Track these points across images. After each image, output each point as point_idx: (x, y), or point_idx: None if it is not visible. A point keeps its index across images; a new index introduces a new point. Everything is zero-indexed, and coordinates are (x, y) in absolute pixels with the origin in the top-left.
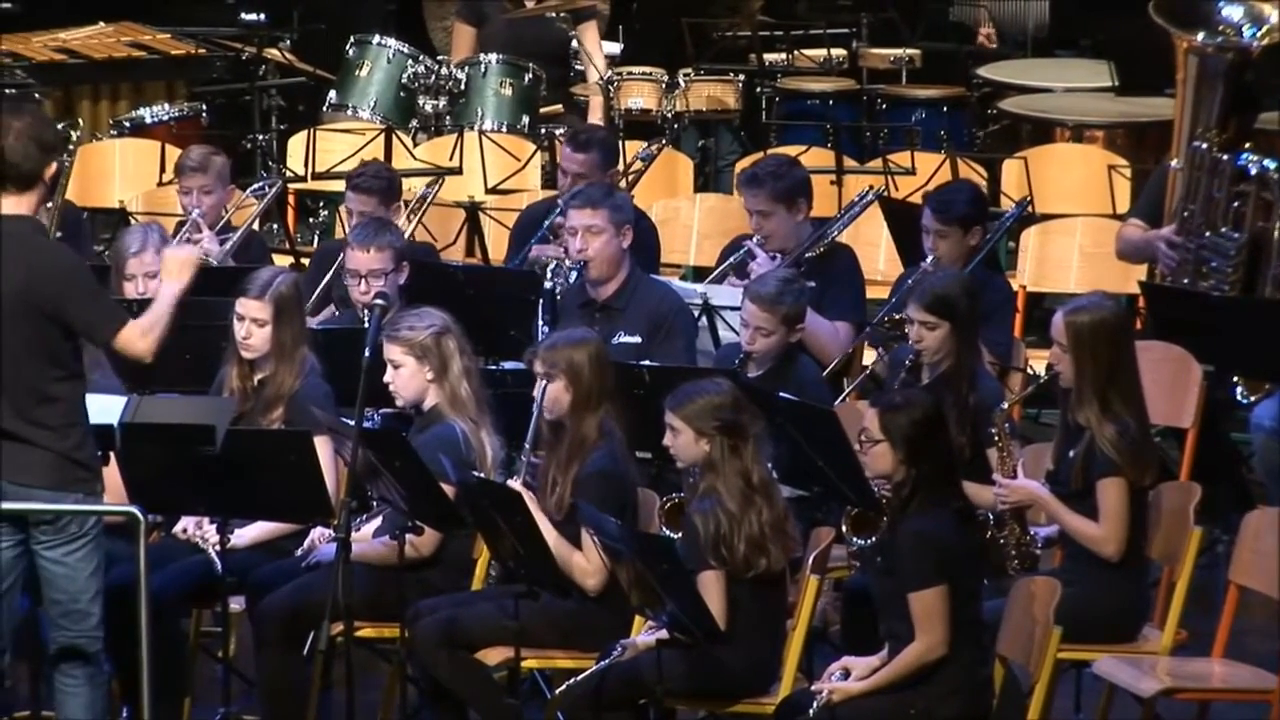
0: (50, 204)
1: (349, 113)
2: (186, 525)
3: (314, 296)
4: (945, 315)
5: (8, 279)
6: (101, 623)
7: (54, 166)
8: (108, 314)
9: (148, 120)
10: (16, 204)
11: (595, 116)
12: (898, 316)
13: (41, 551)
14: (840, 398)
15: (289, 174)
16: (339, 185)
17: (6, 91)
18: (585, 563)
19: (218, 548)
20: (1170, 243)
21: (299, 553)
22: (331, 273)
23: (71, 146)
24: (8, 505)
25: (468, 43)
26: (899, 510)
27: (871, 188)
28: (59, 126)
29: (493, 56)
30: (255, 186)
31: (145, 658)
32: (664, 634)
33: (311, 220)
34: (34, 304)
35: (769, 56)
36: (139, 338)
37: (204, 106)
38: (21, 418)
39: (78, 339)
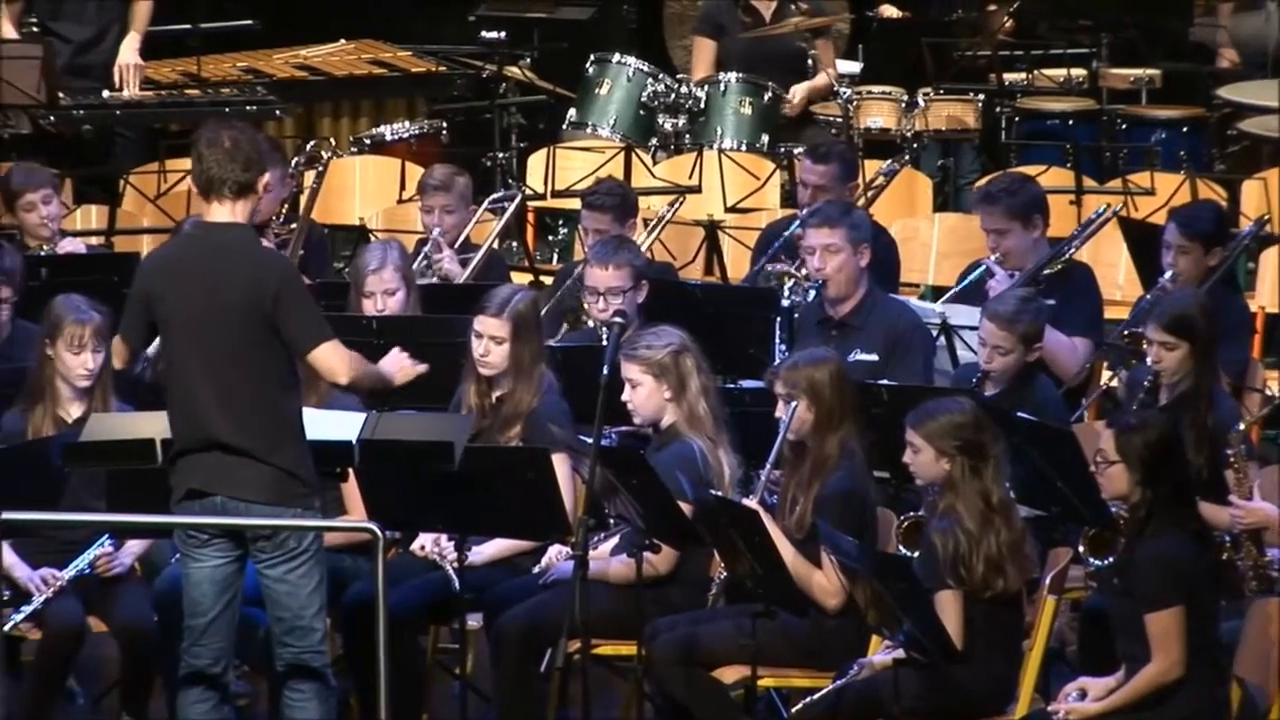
0: (294, 224)
1: (589, 131)
2: (425, 542)
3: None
4: (1184, 336)
5: (230, 289)
6: (326, 638)
7: (267, 176)
8: (315, 326)
9: (388, 137)
10: (231, 212)
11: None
12: (1136, 331)
13: (263, 569)
14: (1075, 415)
15: (528, 191)
16: (578, 203)
17: (248, 108)
18: (826, 582)
19: (455, 565)
20: None
21: (536, 570)
22: (563, 289)
23: (321, 166)
24: (239, 520)
25: (708, 56)
26: (1136, 531)
27: (1109, 205)
28: (310, 145)
29: (732, 75)
30: (493, 198)
31: (383, 674)
32: (900, 653)
33: (551, 238)
34: (259, 311)
35: (1009, 76)
36: (338, 359)
37: (444, 124)
38: (243, 432)
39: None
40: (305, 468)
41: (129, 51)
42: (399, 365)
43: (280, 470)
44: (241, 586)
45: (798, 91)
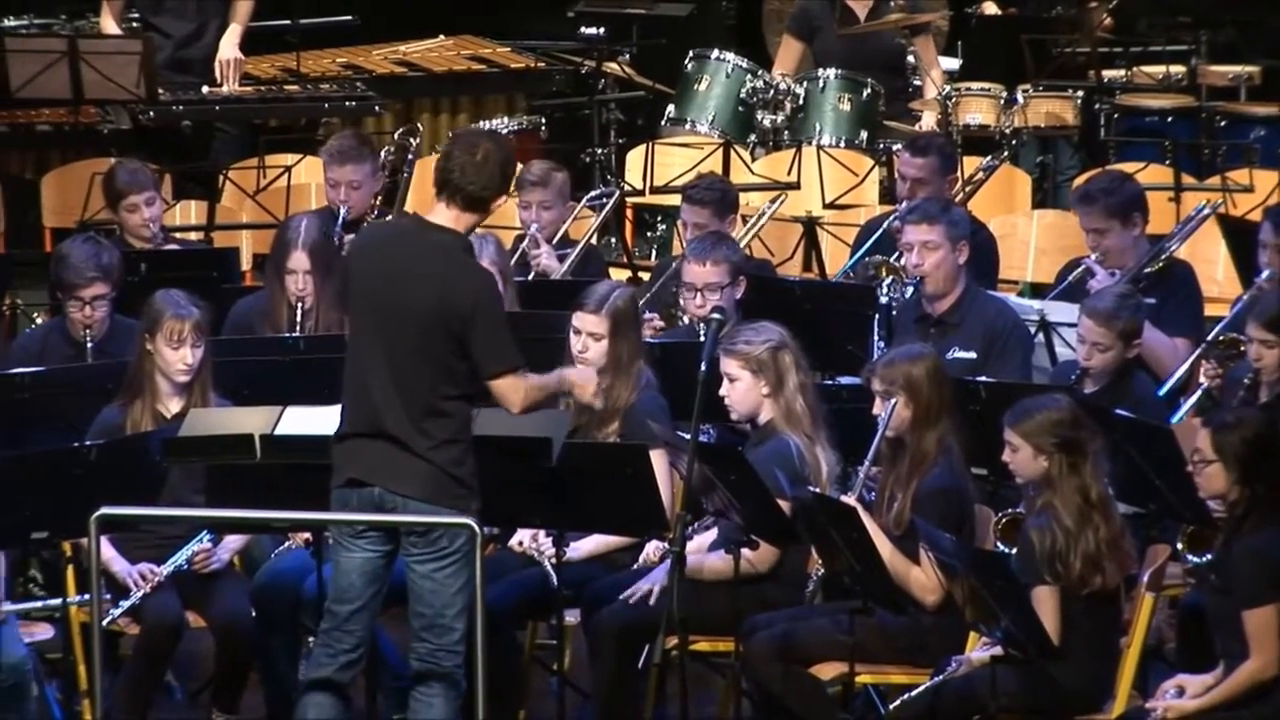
0: (389, 217)
1: (687, 127)
2: (523, 538)
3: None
4: None
5: (424, 290)
6: (463, 640)
7: (503, 199)
8: (504, 353)
9: None
10: (455, 220)
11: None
12: (1233, 335)
13: (412, 564)
14: (1177, 416)
15: (627, 187)
16: (677, 199)
17: (347, 104)
18: (924, 578)
19: (553, 560)
20: None
21: (635, 567)
22: (659, 283)
23: (410, 155)
24: (355, 516)
25: (793, 57)
26: (1233, 528)
27: (1208, 202)
28: (398, 134)
29: (831, 71)
30: (592, 195)
31: (481, 670)
32: (998, 650)
33: (649, 234)
34: (444, 319)
35: (1108, 73)
36: (515, 391)
37: (543, 120)
38: (410, 426)
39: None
40: (466, 469)
41: (230, 46)
42: (588, 385)
43: (440, 469)
44: (388, 581)
45: (926, 121)
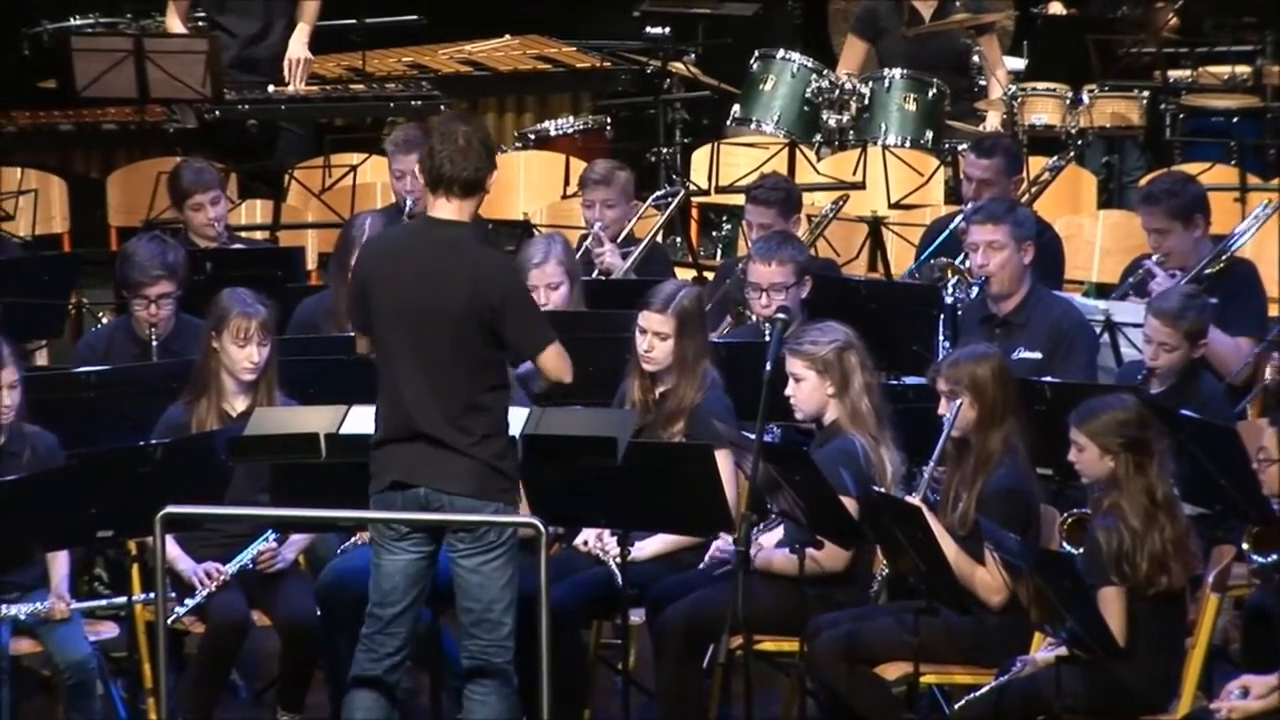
0: None
1: (753, 127)
2: (588, 537)
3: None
4: None
5: (450, 287)
6: (513, 634)
7: (494, 174)
8: (539, 331)
9: (552, 133)
10: (458, 210)
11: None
12: None
13: (458, 560)
14: (1236, 409)
15: (692, 187)
16: (742, 199)
17: (413, 103)
18: (989, 578)
19: (618, 560)
20: None
21: (701, 566)
22: (729, 282)
23: None
24: (405, 515)
25: (858, 57)
26: None
27: (1269, 201)
28: None
29: (896, 71)
30: (657, 195)
31: (545, 668)
32: (1063, 650)
33: (714, 234)
34: (477, 313)
35: (1173, 73)
36: (562, 362)
37: (608, 119)
38: (450, 424)
39: (506, 351)
40: (508, 462)
41: (299, 46)
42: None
43: (483, 464)
44: (428, 582)
45: (991, 122)
